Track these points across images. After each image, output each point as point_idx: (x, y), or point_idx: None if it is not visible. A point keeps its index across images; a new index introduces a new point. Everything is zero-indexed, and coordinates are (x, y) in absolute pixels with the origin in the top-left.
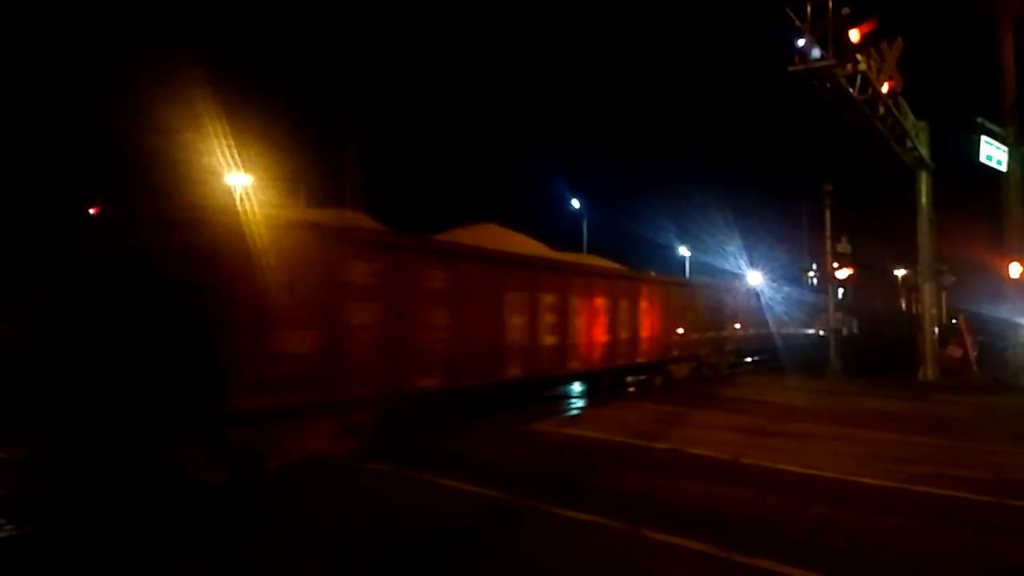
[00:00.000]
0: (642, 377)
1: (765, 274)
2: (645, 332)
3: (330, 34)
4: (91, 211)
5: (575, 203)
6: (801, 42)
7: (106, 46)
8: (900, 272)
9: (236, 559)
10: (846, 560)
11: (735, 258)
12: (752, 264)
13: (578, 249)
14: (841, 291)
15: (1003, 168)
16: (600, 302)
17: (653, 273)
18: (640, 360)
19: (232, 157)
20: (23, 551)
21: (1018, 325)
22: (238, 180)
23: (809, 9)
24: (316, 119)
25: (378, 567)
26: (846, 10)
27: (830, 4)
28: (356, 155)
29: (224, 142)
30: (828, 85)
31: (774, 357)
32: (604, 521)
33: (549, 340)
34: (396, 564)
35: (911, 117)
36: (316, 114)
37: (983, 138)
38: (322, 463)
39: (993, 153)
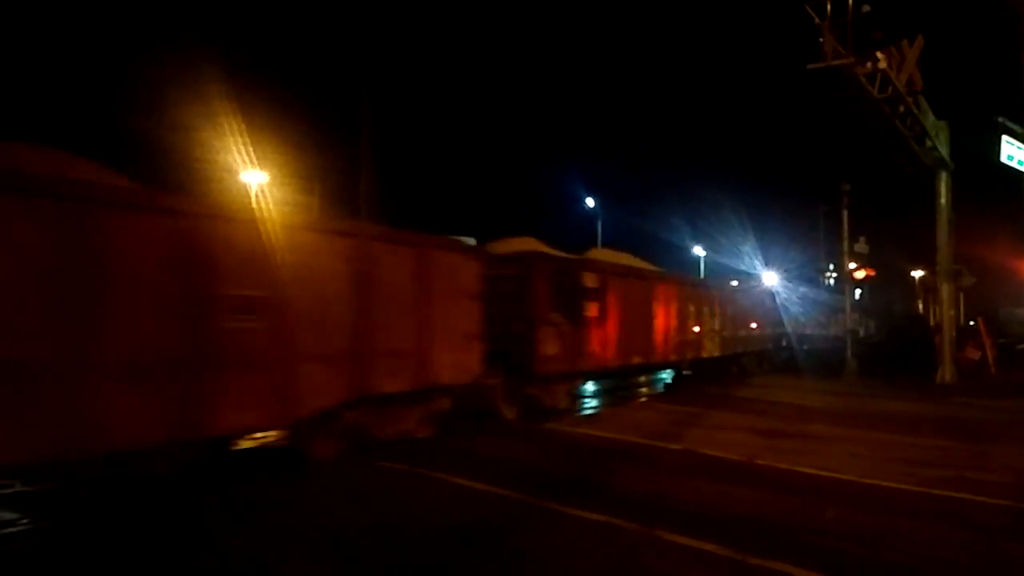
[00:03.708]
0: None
1: (781, 274)
2: (740, 329)
3: (345, 32)
4: None
5: (590, 202)
6: (820, 40)
7: (122, 42)
8: (918, 273)
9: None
10: (863, 563)
11: (750, 258)
12: (767, 264)
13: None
14: (858, 292)
15: None
16: (717, 307)
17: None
18: (729, 351)
19: (248, 154)
20: None
21: None
22: (254, 177)
23: (829, 7)
24: (331, 117)
25: (388, 565)
26: (866, 8)
27: (850, 2)
28: (371, 153)
29: (240, 139)
30: (847, 84)
31: (790, 358)
32: (618, 522)
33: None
34: (406, 563)
35: (931, 116)
36: (331, 112)
37: (1004, 138)
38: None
39: (1014, 153)
